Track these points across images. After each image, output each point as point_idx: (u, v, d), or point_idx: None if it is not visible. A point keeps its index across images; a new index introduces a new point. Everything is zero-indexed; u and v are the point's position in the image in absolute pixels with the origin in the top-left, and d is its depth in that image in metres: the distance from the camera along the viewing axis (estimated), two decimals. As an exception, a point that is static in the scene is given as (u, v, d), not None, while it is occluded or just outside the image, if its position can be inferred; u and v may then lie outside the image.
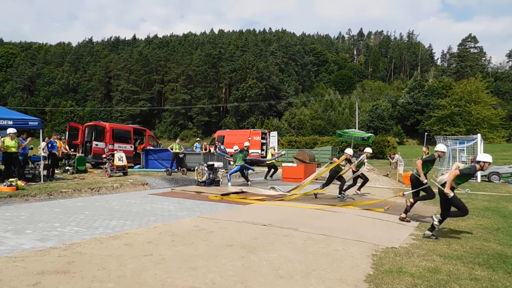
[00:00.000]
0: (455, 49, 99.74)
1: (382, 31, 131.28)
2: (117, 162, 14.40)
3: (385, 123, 64.50)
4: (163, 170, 16.29)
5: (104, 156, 15.81)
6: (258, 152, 23.64)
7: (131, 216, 7.47)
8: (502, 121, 59.66)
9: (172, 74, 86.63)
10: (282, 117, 70.91)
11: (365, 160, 11.11)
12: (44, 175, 12.23)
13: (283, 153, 21.06)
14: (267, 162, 17.52)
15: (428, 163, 7.15)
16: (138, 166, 18.33)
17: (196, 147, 20.00)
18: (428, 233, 5.78)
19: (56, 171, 13.84)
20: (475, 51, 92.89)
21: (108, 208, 8.38)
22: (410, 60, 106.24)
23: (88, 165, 17.24)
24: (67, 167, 15.30)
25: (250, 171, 15.05)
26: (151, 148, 19.89)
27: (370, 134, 27.90)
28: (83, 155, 16.85)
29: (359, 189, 11.13)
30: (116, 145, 18.38)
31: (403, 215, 7.09)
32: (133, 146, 20.20)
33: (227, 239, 5.52)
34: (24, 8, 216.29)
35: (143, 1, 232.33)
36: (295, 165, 16.48)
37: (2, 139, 10.80)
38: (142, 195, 10.77)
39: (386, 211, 7.88)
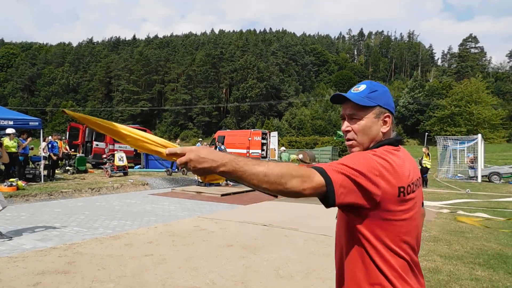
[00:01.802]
0: (455, 49, 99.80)
1: (382, 31, 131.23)
2: (117, 162, 14.40)
3: (386, 123, 64.48)
4: (164, 170, 16.29)
5: (104, 156, 15.81)
6: (258, 152, 23.62)
7: (131, 216, 7.47)
8: (502, 121, 59.61)
9: (173, 74, 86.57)
10: (283, 117, 70.76)
11: None
12: (44, 175, 12.24)
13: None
14: None
15: None
16: (138, 166, 18.34)
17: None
18: None
19: (56, 171, 13.84)
20: (476, 51, 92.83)
21: (108, 208, 8.38)
22: (411, 60, 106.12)
23: (88, 165, 17.24)
24: (67, 167, 15.30)
25: None
26: (152, 148, 19.87)
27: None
28: (83, 155, 16.85)
29: None
30: (117, 145, 18.37)
31: None
32: (133, 146, 20.19)
33: (228, 239, 5.52)
34: (25, 8, 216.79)
35: (145, 1, 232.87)
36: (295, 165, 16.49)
37: (1, 139, 10.81)
38: (142, 195, 10.78)
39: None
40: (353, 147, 1.28)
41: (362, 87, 1.30)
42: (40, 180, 11.73)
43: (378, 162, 1.11)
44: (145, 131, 22.29)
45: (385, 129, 1.25)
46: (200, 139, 22.90)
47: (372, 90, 1.27)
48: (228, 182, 13.77)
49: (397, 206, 1.11)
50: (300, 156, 18.38)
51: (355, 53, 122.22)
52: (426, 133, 31.93)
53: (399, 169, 1.13)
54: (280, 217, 7.35)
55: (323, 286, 3.70)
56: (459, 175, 19.03)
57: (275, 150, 24.94)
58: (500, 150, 42.43)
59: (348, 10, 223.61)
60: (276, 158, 22.91)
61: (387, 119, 1.26)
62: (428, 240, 5.67)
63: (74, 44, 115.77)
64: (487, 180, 16.86)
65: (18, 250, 4.84)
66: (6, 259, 4.33)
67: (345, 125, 1.29)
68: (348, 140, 1.29)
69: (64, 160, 15.34)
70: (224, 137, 25.43)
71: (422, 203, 1.30)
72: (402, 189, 1.11)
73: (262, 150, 23.95)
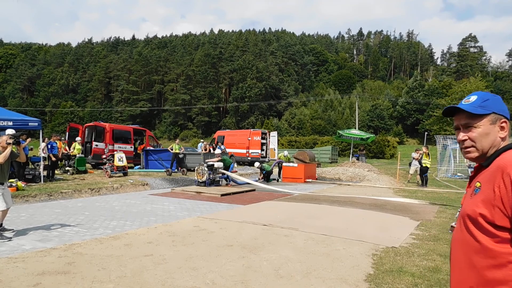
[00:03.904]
0: (454, 49, 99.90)
1: (381, 30, 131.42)
2: (117, 163, 14.39)
3: (385, 122, 64.40)
4: (163, 170, 16.29)
5: (104, 156, 15.80)
6: (258, 152, 23.63)
7: (131, 216, 7.47)
8: (502, 120, 59.84)
9: (172, 74, 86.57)
10: (282, 117, 70.79)
11: None
12: (44, 176, 12.23)
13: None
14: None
15: None
16: (138, 166, 18.33)
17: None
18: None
19: (56, 171, 13.83)
20: (475, 50, 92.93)
21: (108, 208, 8.38)
22: (410, 59, 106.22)
23: (88, 165, 17.23)
24: (67, 168, 15.29)
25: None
26: (151, 148, 19.89)
27: (370, 135, 27.93)
28: (83, 155, 16.84)
29: None
30: (116, 146, 18.37)
31: None
32: (133, 146, 20.20)
33: (228, 239, 5.52)
34: (25, 9, 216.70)
35: (145, 1, 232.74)
36: (295, 165, 16.47)
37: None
38: (142, 195, 10.77)
39: None
40: (471, 153, 1.34)
41: (473, 98, 1.36)
42: (40, 181, 11.72)
43: None
44: (144, 131, 22.33)
45: (503, 134, 1.31)
46: (202, 140, 22.86)
47: (484, 99, 1.33)
48: (228, 182, 13.77)
49: None
50: (285, 152, 18.34)
51: (355, 52, 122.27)
52: (426, 133, 31.97)
53: None
54: (280, 217, 7.35)
55: (323, 286, 3.70)
56: (458, 174, 19.03)
57: (274, 150, 24.94)
58: (500, 149, 42.39)
59: (347, 9, 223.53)
60: (276, 158, 22.95)
61: (503, 124, 1.32)
62: (428, 239, 5.67)
63: (74, 44, 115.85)
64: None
65: (18, 250, 4.83)
66: (6, 260, 4.33)
67: (461, 135, 1.36)
68: (466, 148, 1.35)
69: (63, 160, 15.34)
70: (223, 137, 25.44)
71: None
72: None
73: (262, 150, 23.96)
